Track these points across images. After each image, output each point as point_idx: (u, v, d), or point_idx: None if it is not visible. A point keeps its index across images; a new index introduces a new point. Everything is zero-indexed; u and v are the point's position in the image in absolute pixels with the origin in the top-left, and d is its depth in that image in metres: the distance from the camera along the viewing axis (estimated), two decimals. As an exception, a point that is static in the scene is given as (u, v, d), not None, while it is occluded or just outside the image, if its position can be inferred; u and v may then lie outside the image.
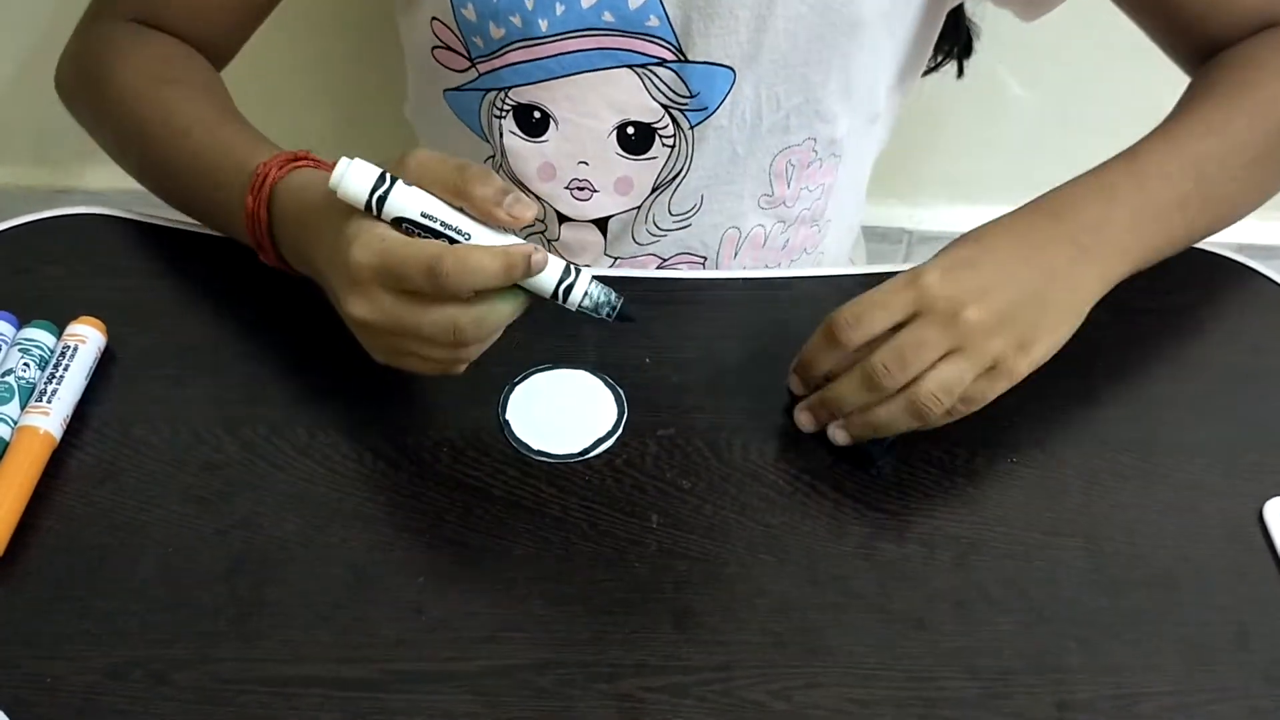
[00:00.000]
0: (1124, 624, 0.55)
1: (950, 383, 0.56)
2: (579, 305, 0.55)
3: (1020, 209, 0.62)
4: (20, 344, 0.61)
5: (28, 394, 0.60)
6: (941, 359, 0.56)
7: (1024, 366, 0.58)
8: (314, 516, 0.57)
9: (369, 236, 0.53)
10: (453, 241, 0.53)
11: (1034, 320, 0.58)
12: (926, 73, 0.83)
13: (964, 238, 0.60)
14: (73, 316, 0.63)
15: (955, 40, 0.82)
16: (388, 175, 0.53)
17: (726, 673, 0.52)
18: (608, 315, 0.55)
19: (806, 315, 0.69)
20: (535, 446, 0.60)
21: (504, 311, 0.54)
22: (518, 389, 0.63)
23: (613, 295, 0.55)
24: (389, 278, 0.53)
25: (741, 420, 0.62)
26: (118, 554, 0.56)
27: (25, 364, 0.60)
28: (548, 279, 0.54)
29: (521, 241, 0.54)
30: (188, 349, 0.65)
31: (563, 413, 0.62)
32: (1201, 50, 0.71)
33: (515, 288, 0.54)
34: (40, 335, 0.62)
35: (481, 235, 0.54)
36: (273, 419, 0.61)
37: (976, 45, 0.84)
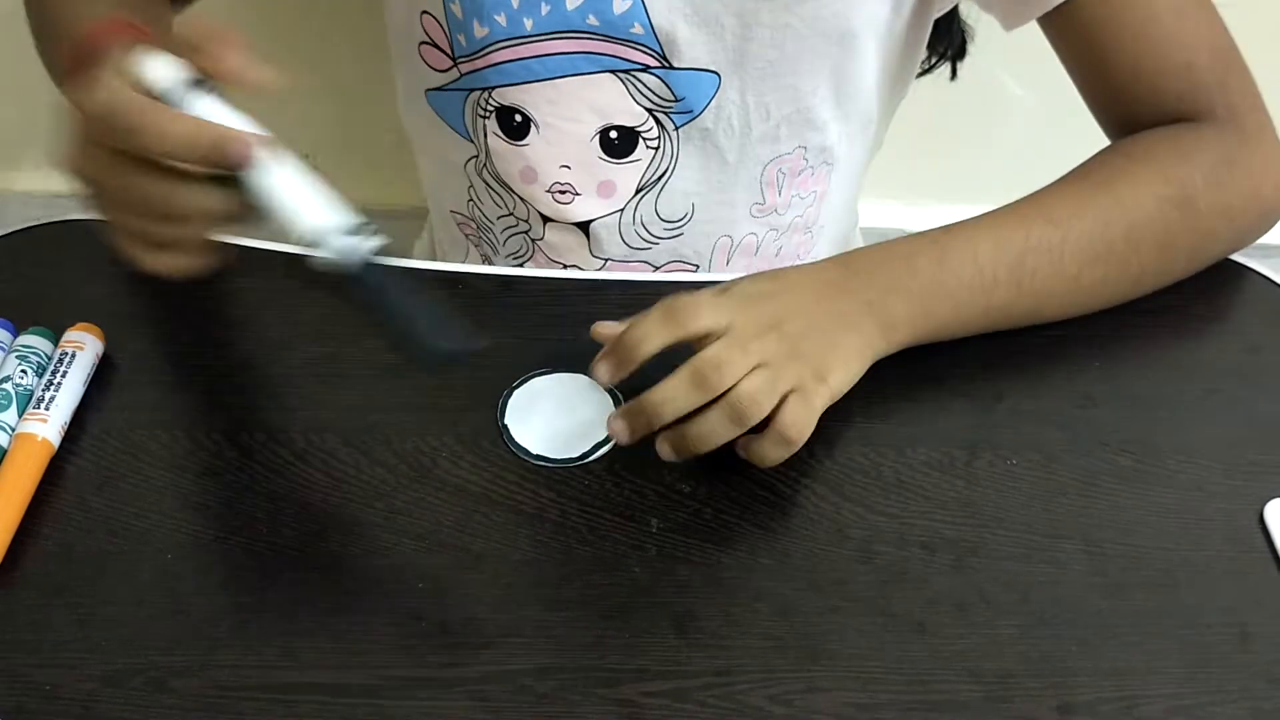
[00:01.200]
0: (1125, 626, 0.55)
1: (763, 388, 0.57)
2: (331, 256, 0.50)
3: (823, 261, 0.64)
4: (18, 351, 0.61)
5: (25, 401, 0.60)
6: (748, 374, 0.57)
7: (823, 395, 0.59)
8: (313, 522, 0.57)
9: (95, 87, 0.51)
10: None
11: (824, 352, 0.59)
12: (922, 74, 0.83)
13: (765, 273, 0.62)
14: (70, 323, 0.63)
15: (949, 43, 0.82)
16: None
17: (727, 677, 0.52)
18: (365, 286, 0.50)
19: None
20: (534, 451, 0.60)
21: (199, 198, 0.52)
22: (516, 393, 0.63)
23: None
24: (96, 125, 0.52)
25: (741, 423, 0.62)
26: (117, 561, 0.55)
27: (23, 371, 0.60)
28: (305, 210, 0.50)
29: (259, 134, 0.52)
30: (185, 355, 0.65)
31: (561, 417, 0.62)
32: (1123, 124, 0.71)
33: (234, 186, 0.51)
34: (38, 342, 0.62)
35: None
36: (270, 425, 0.61)
37: (973, 47, 0.84)
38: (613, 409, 0.61)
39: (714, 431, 0.57)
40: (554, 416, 0.62)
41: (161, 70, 0.52)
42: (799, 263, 0.81)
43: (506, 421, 0.61)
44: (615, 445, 0.61)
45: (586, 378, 0.63)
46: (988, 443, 0.62)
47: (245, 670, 0.52)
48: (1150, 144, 0.68)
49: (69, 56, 0.59)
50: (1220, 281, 0.71)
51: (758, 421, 0.57)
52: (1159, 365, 0.67)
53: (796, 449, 0.58)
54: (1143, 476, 0.61)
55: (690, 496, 0.59)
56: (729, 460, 0.60)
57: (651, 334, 0.58)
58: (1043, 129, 1.18)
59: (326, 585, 0.55)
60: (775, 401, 0.57)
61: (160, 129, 0.50)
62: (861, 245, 0.94)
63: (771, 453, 0.58)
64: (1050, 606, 0.55)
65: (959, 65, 0.85)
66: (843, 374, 0.60)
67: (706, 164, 0.74)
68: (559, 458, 0.60)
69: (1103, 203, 0.65)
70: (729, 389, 0.56)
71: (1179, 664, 0.54)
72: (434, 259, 0.90)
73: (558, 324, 0.67)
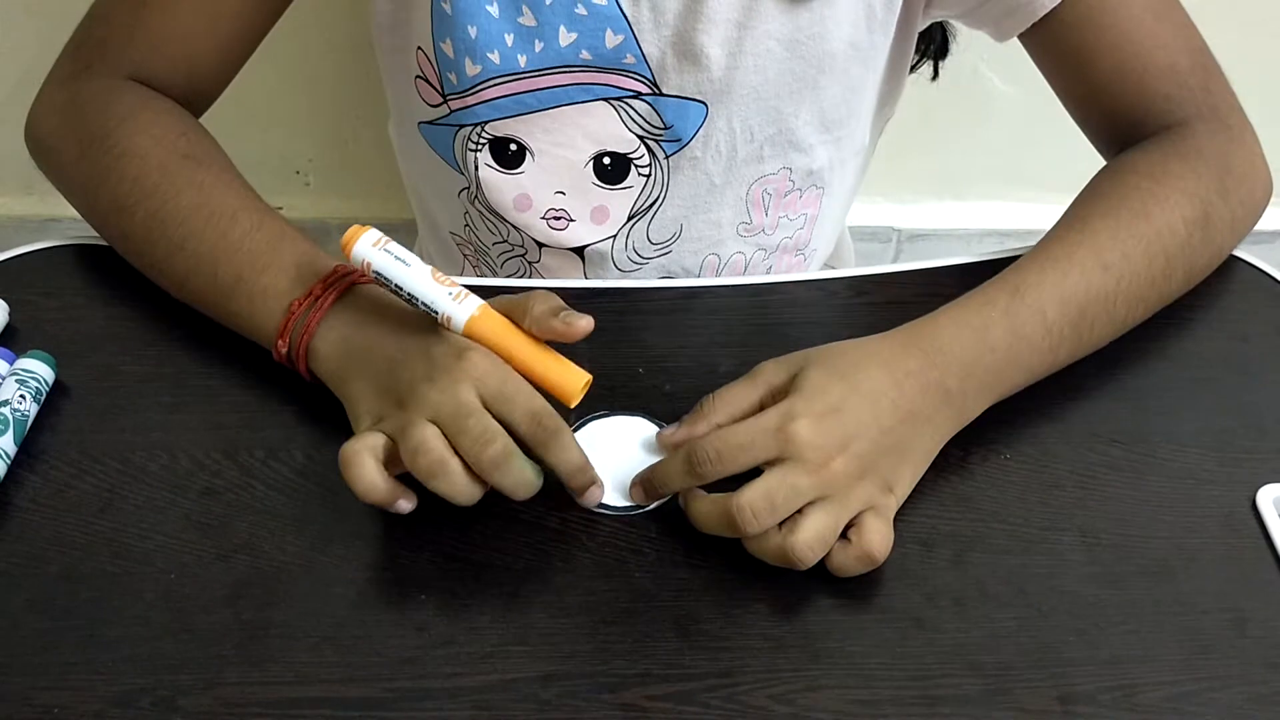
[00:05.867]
0: (1122, 615, 0.55)
1: (824, 533, 0.55)
2: None
3: (893, 335, 0.60)
4: (17, 375, 0.62)
5: (22, 427, 0.60)
6: (810, 504, 0.55)
7: (893, 505, 0.57)
8: (314, 538, 0.58)
9: (485, 351, 0.56)
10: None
11: (895, 465, 0.57)
12: (910, 70, 0.84)
13: (831, 367, 0.58)
14: (70, 347, 0.63)
15: (931, 42, 0.82)
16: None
17: (729, 679, 0.53)
18: None
19: (796, 320, 0.70)
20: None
21: (530, 481, 0.56)
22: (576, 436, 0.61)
23: None
24: (497, 394, 0.55)
25: (736, 426, 0.63)
26: (121, 582, 0.56)
27: (21, 396, 0.61)
28: None
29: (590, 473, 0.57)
30: (183, 376, 0.65)
31: (621, 462, 0.61)
32: (1109, 130, 0.72)
33: (543, 476, 0.57)
34: (37, 366, 0.62)
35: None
36: (270, 442, 0.61)
37: (957, 44, 0.84)
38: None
39: (765, 554, 0.56)
40: (613, 461, 0.61)
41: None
42: (796, 274, 0.81)
43: None
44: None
45: (643, 419, 0.63)
46: (981, 437, 0.62)
47: (252, 687, 0.52)
48: (1163, 161, 0.68)
49: (319, 284, 0.61)
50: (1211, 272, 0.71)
51: (811, 563, 0.55)
52: (1149, 355, 0.67)
53: (876, 565, 0.56)
54: (1136, 466, 0.62)
55: (688, 500, 0.59)
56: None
57: (671, 482, 0.58)
58: (1028, 124, 1.19)
59: (330, 600, 0.55)
60: (832, 542, 0.55)
61: (558, 437, 0.56)
62: (849, 247, 0.95)
63: (853, 569, 0.56)
64: (1048, 598, 0.56)
65: (941, 64, 0.85)
66: (910, 480, 0.59)
67: (695, 189, 0.74)
68: (620, 505, 0.59)
69: (1145, 235, 0.64)
70: (786, 529, 0.55)
71: (1177, 651, 0.54)
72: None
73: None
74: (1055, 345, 0.62)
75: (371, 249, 0.57)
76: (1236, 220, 0.69)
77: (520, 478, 0.55)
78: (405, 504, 0.56)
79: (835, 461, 0.55)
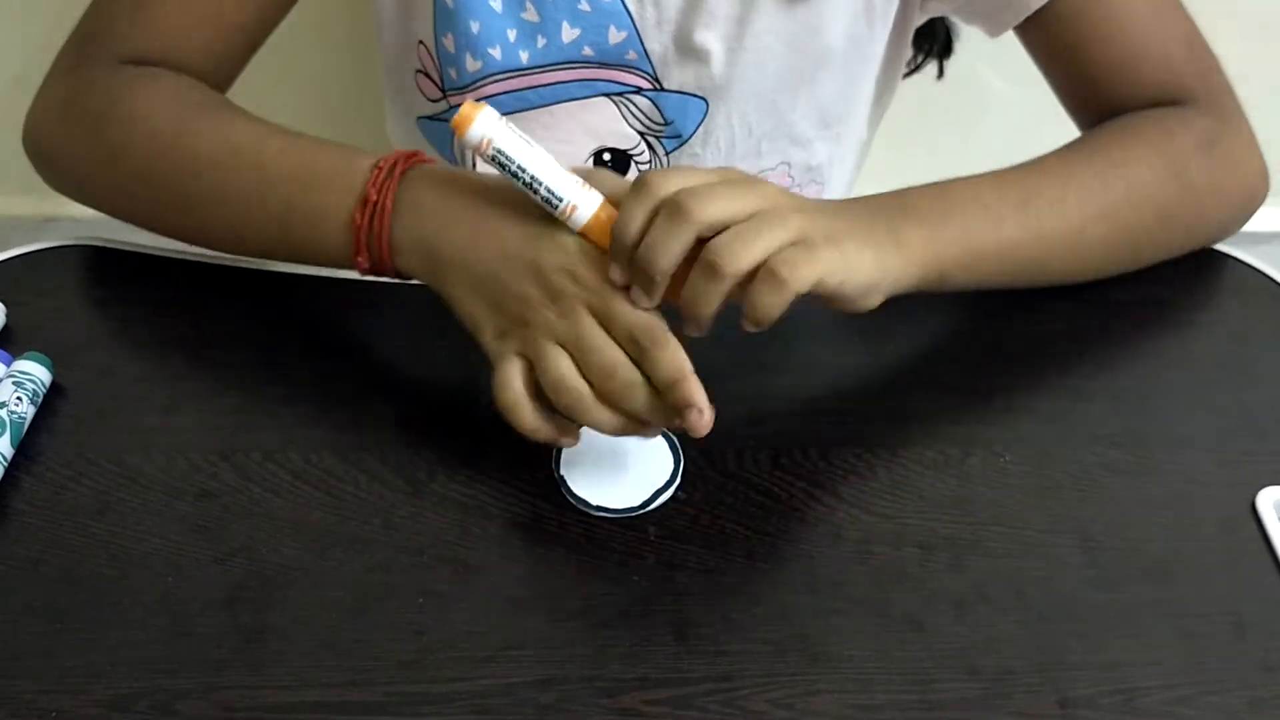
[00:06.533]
0: (1121, 619, 0.55)
1: (744, 236, 0.52)
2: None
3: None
4: (14, 376, 0.62)
5: (19, 429, 0.60)
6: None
7: (831, 255, 0.53)
8: (312, 541, 0.57)
9: (594, 260, 0.54)
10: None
11: (836, 226, 0.55)
12: (909, 73, 0.84)
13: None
14: (66, 349, 0.63)
15: (934, 41, 0.82)
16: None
17: (728, 683, 0.53)
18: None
19: (793, 319, 0.69)
20: (594, 502, 0.59)
21: (652, 404, 0.55)
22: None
23: None
24: (603, 311, 0.54)
25: (734, 428, 0.62)
26: (118, 585, 0.56)
27: (18, 398, 0.61)
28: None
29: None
30: (180, 378, 0.65)
31: (618, 464, 0.61)
32: (1102, 116, 0.72)
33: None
34: (33, 368, 0.62)
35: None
36: (267, 445, 0.61)
37: (956, 45, 0.84)
38: (666, 451, 0.61)
39: (698, 294, 0.53)
40: (610, 463, 0.61)
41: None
42: None
43: (562, 472, 0.60)
44: (676, 492, 0.60)
45: None
46: (980, 440, 0.62)
47: (250, 691, 0.52)
48: (1137, 122, 0.68)
49: (372, 188, 0.58)
50: (1205, 271, 0.71)
51: (737, 267, 0.52)
52: (1147, 357, 0.67)
53: (788, 293, 0.52)
54: (1134, 469, 0.61)
55: (687, 503, 0.59)
56: (722, 465, 0.61)
57: (667, 241, 0.53)
58: (1026, 124, 1.18)
59: (328, 603, 0.55)
60: (760, 250, 0.52)
61: (669, 354, 0.54)
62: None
63: (763, 299, 0.53)
64: (1047, 602, 0.56)
65: (945, 63, 0.85)
66: (859, 260, 0.55)
67: None
68: (619, 507, 0.59)
69: (1099, 165, 0.65)
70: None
71: (1176, 655, 0.54)
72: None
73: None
74: (995, 221, 0.62)
75: (496, 125, 0.53)
76: (1224, 190, 0.69)
77: (641, 404, 0.54)
78: (569, 439, 0.57)
79: (769, 187, 0.55)
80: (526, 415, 0.56)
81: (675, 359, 0.54)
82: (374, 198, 0.58)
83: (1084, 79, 0.71)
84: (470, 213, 0.57)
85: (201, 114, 0.64)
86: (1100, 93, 0.71)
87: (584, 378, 0.54)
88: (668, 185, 0.53)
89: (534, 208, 0.55)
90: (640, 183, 0.54)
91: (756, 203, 0.53)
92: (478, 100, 0.70)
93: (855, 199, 0.61)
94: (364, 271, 0.60)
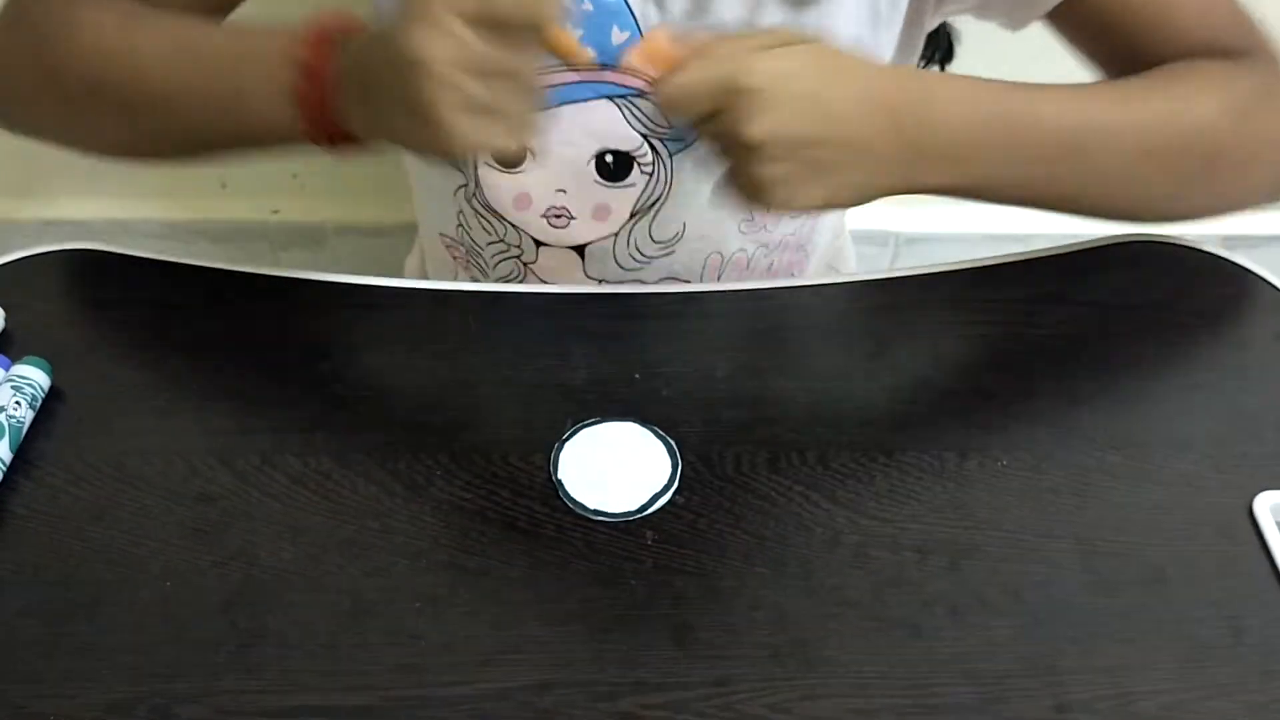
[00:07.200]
0: (1119, 623, 0.55)
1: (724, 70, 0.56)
2: None
3: (886, 69, 0.64)
4: (13, 381, 0.62)
5: (18, 433, 0.60)
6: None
7: (806, 185, 0.58)
8: (310, 545, 0.57)
9: None
10: None
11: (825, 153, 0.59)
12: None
13: (809, 66, 0.59)
14: (64, 353, 0.63)
15: (937, 46, 0.82)
16: None
17: (726, 687, 0.53)
18: None
19: (791, 324, 0.70)
20: (591, 506, 0.59)
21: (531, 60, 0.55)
22: (567, 445, 0.62)
23: None
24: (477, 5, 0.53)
25: (731, 432, 0.63)
26: (116, 590, 0.56)
27: (17, 402, 0.61)
28: None
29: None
30: (178, 381, 0.65)
31: (615, 468, 0.61)
32: None
33: None
34: (32, 373, 0.62)
35: None
36: (265, 449, 0.61)
37: (959, 49, 0.84)
38: (664, 455, 0.61)
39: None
40: (607, 467, 0.61)
41: None
42: (792, 279, 0.81)
43: (560, 476, 0.60)
44: (673, 496, 0.60)
45: (636, 425, 0.63)
46: (978, 444, 0.62)
47: (248, 695, 0.52)
48: (1197, 63, 0.68)
49: (305, 48, 0.59)
50: (1202, 275, 0.71)
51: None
52: (1144, 361, 0.67)
53: (769, 168, 0.57)
54: (1132, 473, 0.61)
55: (684, 507, 0.59)
56: (720, 469, 0.61)
57: (694, 91, 0.57)
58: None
59: (326, 607, 0.55)
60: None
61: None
62: (850, 249, 0.95)
63: (749, 170, 0.57)
64: (1044, 606, 0.56)
65: (947, 68, 0.85)
66: (838, 184, 0.59)
67: (699, 187, 0.74)
68: (617, 512, 0.59)
69: (1157, 99, 0.65)
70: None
71: (1174, 660, 0.54)
72: (425, 277, 0.90)
73: (554, 339, 0.67)
74: (1042, 142, 0.62)
75: None
76: (1277, 141, 0.68)
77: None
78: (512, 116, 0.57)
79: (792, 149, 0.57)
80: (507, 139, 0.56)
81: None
82: (306, 57, 0.59)
83: (1125, 53, 0.71)
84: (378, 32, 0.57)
85: (143, 20, 0.65)
86: (1145, 65, 0.70)
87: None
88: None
89: None
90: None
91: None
92: None
93: (887, 79, 0.62)
94: (315, 141, 0.60)
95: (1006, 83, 0.63)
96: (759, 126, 0.56)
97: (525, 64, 0.55)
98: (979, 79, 0.63)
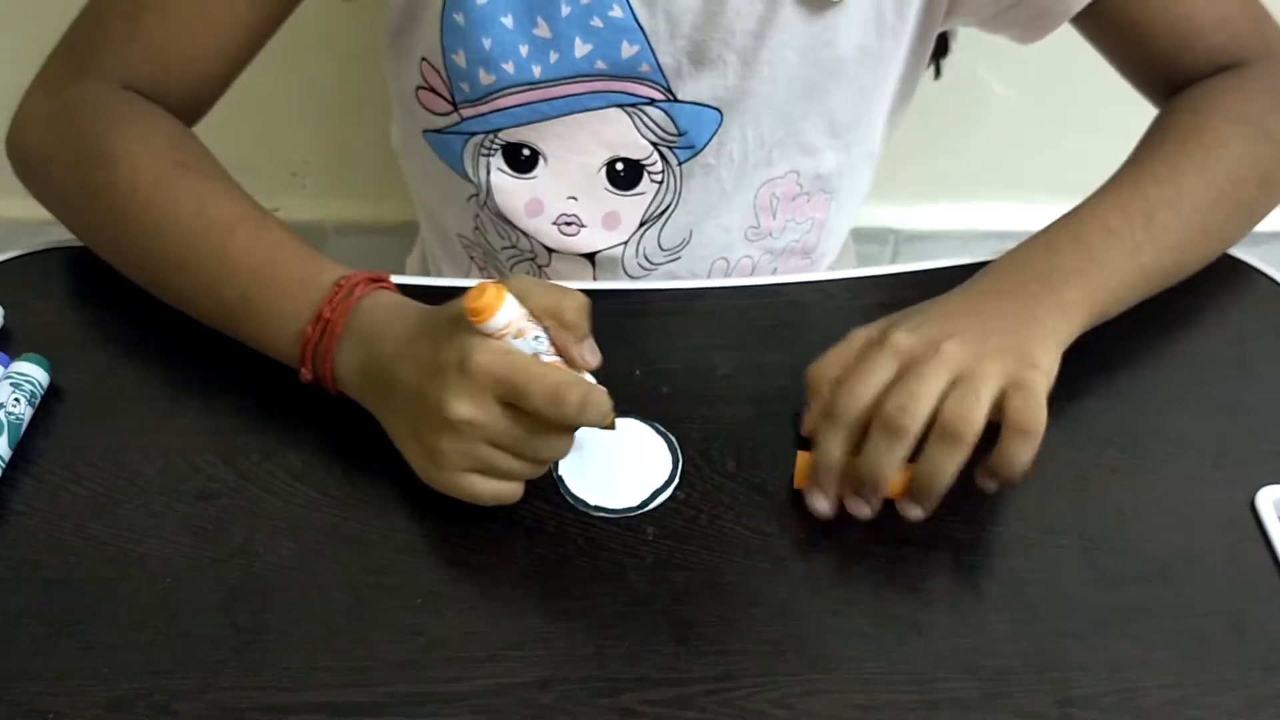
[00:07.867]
0: (1121, 619, 0.55)
1: (967, 399, 0.55)
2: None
3: (963, 283, 0.63)
4: (12, 378, 0.61)
5: (17, 430, 0.60)
6: (945, 395, 0.56)
7: (1040, 380, 0.57)
8: (310, 542, 0.57)
9: (493, 346, 0.54)
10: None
11: (1020, 344, 0.58)
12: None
13: (908, 313, 0.61)
14: (63, 351, 0.63)
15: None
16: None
17: (727, 683, 0.52)
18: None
19: (793, 321, 0.70)
20: (592, 502, 0.59)
21: (559, 446, 0.57)
22: None
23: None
24: (509, 390, 0.53)
25: (732, 429, 0.63)
26: (117, 587, 0.56)
27: (16, 399, 0.61)
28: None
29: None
30: (179, 379, 0.65)
31: (615, 463, 0.61)
32: (1168, 85, 0.73)
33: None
34: (31, 370, 0.62)
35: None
36: (265, 446, 0.61)
37: (954, 45, 0.84)
38: (664, 449, 0.61)
39: (938, 465, 0.55)
40: (608, 463, 0.61)
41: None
42: (792, 276, 0.81)
43: (561, 473, 0.60)
44: (674, 492, 0.60)
45: (635, 420, 0.63)
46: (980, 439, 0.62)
47: (248, 692, 0.52)
48: (1210, 94, 0.70)
49: (327, 306, 0.59)
50: (1204, 271, 0.71)
51: (976, 434, 0.55)
52: (1147, 357, 0.67)
53: (1038, 440, 0.55)
54: (1134, 469, 0.61)
55: (685, 503, 0.59)
56: (721, 465, 0.61)
57: (832, 442, 0.57)
58: (1025, 127, 1.19)
59: (326, 604, 0.55)
60: (988, 407, 0.55)
61: (587, 403, 0.54)
62: (851, 249, 0.95)
63: (1016, 454, 0.55)
64: (1046, 601, 0.56)
65: (942, 62, 0.85)
66: (1047, 358, 0.58)
67: (707, 195, 0.74)
68: (618, 508, 0.59)
69: (1194, 153, 0.67)
70: (936, 418, 0.55)
71: (1176, 654, 0.54)
72: (426, 275, 0.90)
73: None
74: (1131, 249, 0.64)
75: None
76: None
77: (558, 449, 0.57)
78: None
79: (947, 344, 0.57)
80: (515, 493, 0.57)
81: (603, 394, 0.55)
82: (327, 315, 0.59)
83: (1144, 57, 0.73)
84: (403, 336, 0.58)
85: (184, 178, 0.65)
86: (1165, 67, 0.73)
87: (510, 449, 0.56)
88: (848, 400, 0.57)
89: (459, 323, 0.55)
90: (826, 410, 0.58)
91: (945, 371, 0.56)
92: (490, 113, 0.70)
93: (992, 275, 0.63)
94: (305, 381, 0.61)
95: (1057, 222, 0.65)
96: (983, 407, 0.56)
97: (542, 446, 0.56)
98: (1040, 234, 0.65)
